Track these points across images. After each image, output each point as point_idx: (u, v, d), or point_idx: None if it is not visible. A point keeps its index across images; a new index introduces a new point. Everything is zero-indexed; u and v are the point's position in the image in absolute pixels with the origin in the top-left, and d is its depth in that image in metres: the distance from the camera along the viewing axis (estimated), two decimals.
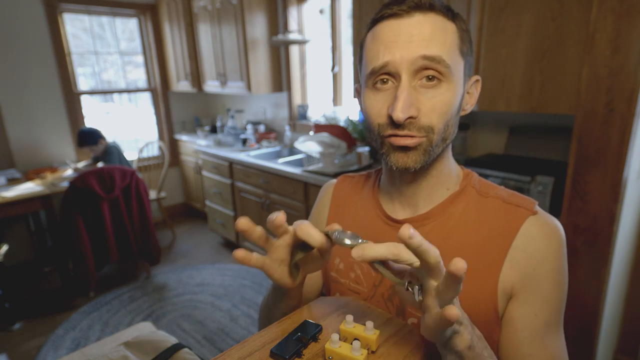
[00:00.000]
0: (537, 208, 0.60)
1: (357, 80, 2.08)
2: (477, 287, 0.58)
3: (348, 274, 0.71)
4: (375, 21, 0.57)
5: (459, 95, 0.57)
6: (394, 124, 0.54)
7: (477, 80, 0.62)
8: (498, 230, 0.59)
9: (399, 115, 0.52)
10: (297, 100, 3.29)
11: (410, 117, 0.54)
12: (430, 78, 0.54)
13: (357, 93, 0.67)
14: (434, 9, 0.54)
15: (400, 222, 0.65)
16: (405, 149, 0.56)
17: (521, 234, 0.58)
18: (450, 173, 0.64)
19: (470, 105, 0.62)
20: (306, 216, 2.44)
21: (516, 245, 0.58)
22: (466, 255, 0.59)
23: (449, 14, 0.56)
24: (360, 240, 0.44)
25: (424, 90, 0.55)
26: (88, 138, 2.91)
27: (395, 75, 0.55)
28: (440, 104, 0.55)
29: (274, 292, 0.61)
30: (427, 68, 0.53)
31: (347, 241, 0.44)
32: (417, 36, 0.53)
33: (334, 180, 0.81)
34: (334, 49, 2.85)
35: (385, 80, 0.56)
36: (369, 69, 0.57)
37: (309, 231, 0.47)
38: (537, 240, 0.58)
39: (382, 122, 0.57)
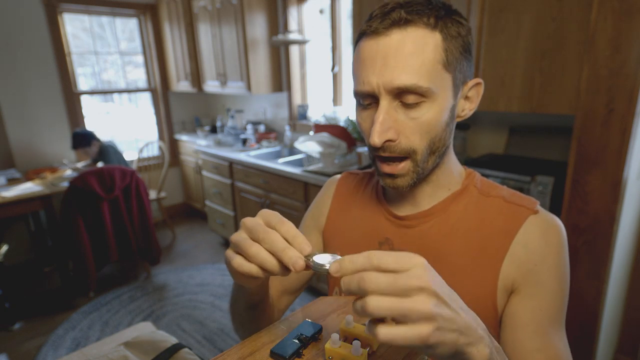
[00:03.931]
0: (539, 207, 0.61)
1: None
2: (477, 285, 0.59)
3: None
4: (360, 36, 0.57)
5: (447, 108, 0.56)
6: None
7: (477, 84, 0.60)
8: (499, 228, 0.60)
9: (375, 140, 0.53)
10: (297, 100, 3.28)
11: (389, 141, 0.55)
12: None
13: None
14: (413, 22, 0.52)
15: (403, 219, 0.66)
16: (392, 175, 0.58)
17: (522, 231, 0.59)
18: (451, 174, 0.65)
19: (469, 110, 0.61)
20: None
21: (517, 242, 0.59)
22: (468, 253, 0.60)
23: (433, 21, 0.53)
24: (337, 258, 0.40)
25: (404, 111, 0.54)
26: (81, 140, 2.90)
27: (375, 98, 0.55)
28: (421, 125, 0.54)
29: (238, 287, 0.60)
30: (405, 92, 0.53)
31: (326, 266, 0.40)
32: (392, 60, 0.52)
33: (338, 176, 0.82)
34: (334, 49, 2.85)
35: (368, 100, 0.57)
36: (354, 87, 0.58)
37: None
38: (538, 236, 0.58)
39: (369, 142, 0.58)
